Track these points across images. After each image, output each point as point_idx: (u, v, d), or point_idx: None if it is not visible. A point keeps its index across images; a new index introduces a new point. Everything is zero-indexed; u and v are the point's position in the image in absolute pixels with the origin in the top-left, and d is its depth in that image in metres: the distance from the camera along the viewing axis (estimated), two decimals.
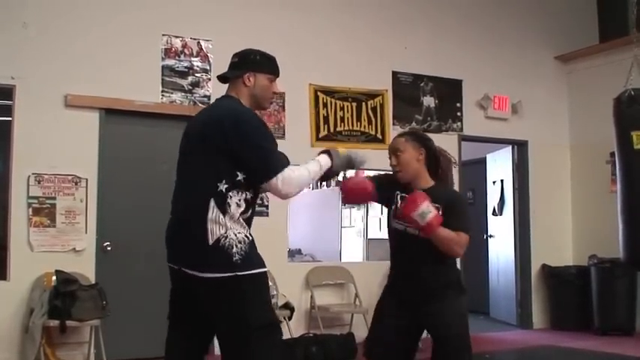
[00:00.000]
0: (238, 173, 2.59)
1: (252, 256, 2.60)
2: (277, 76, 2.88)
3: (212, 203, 2.55)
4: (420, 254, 3.02)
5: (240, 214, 2.60)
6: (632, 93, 4.55)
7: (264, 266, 2.65)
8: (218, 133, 2.61)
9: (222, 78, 2.90)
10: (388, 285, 3.20)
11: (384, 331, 3.10)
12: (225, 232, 2.55)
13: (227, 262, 2.54)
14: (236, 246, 2.55)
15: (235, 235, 2.56)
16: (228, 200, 2.57)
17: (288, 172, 2.61)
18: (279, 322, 2.73)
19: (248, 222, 2.66)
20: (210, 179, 2.57)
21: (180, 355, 2.77)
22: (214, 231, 2.54)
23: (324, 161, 2.79)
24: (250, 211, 2.66)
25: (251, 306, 2.56)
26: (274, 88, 2.87)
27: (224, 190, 2.56)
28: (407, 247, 3.07)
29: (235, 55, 2.89)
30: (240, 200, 2.59)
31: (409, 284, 3.06)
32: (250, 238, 2.63)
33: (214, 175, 2.58)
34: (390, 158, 3.13)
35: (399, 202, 3.04)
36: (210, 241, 2.54)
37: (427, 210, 2.84)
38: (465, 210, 3.09)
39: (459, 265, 6.71)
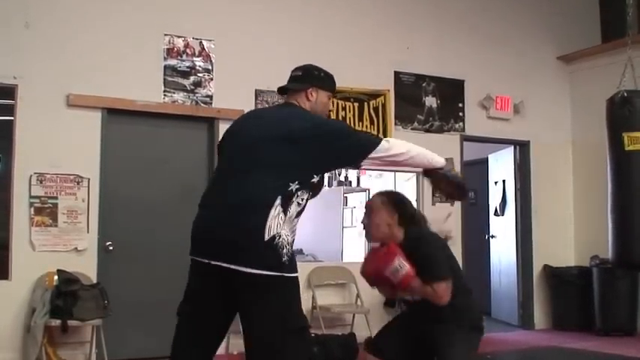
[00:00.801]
0: (315, 176, 2.65)
1: (294, 259, 2.64)
2: (334, 94, 2.99)
3: (278, 200, 2.56)
4: (426, 315, 3.08)
5: (297, 217, 2.64)
6: (625, 94, 4.56)
7: (297, 271, 2.69)
8: (307, 136, 2.64)
9: (282, 89, 2.94)
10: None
11: (391, 331, 3.20)
12: (280, 232, 2.56)
13: (277, 261, 2.54)
14: (286, 247, 2.57)
15: (286, 237, 2.58)
16: (291, 200, 2.59)
17: (389, 139, 2.75)
18: (309, 326, 2.73)
19: (296, 226, 2.69)
20: (284, 177, 2.58)
21: (190, 355, 2.71)
22: (272, 228, 2.54)
23: (439, 158, 2.86)
24: (299, 215, 2.68)
25: (290, 308, 2.59)
26: (330, 105, 2.96)
27: (294, 190, 2.59)
28: (415, 311, 3.15)
29: (299, 69, 2.95)
30: (302, 200, 2.64)
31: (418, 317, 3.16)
32: (293, 242, 2.67)
33: (289, 175, 2.59)
34: (364, 214, 3.18)
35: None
36: (266, 237, 2.53)
37: (399, 266, 2.87)
38: (434, 253, 3.03)
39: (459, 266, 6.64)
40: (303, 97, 2.86)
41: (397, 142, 2.74)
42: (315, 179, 2.66)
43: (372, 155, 2.68)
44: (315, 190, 2.74)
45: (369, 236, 3.16)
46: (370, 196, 3.33)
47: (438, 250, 3.06)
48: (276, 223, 2.55)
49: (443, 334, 2.99)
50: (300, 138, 2.63)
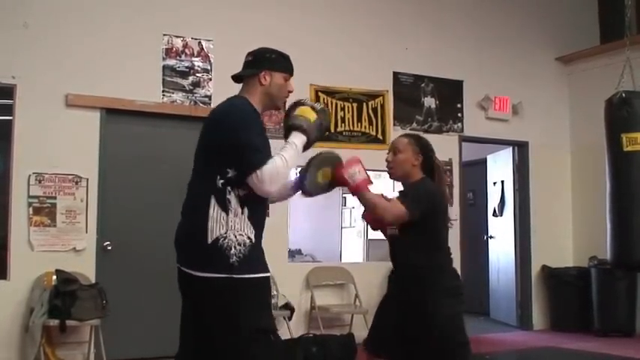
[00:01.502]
0: (228, 170, 2.53)
1: (251, 259, 2.55)
2: (292, 74, 2.83)
3: (213, 201, 2.53)
4: (404, 256, 3.12)
5: (243, 212, 2.54)
6: (623, 95, 4.57)
7: (266, 271, 2.61)
8: (211, 129, 2.62)
9: (236, 77, 2.82)
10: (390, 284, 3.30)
11: (382, 325, 3.18)
12: (226, 232, 2.51)
13: (224, 263, 2.50)
14: (234, 247, 2.51)
15: (235, 237, 2.52)
16: (228, 196, 2.53)
17: (266, 168, 2.47)
18: (274, 330, 2.65)
19: (256, 223, 2.59)
20: (210, 176, 2.54)
21: (188, 357, 2.69)
22: (214, 230, 2.51)
23: (299, 140, 2.66)
24: (254, 210, 2.58)
25: (243, 311, 2.50)
26: (289, 86, 2.82)
27: (221, 185, 2.53)
28: (396, 251, 3.18)
29: (250, 54, 2.83)
30: (237, 197, 2.53)
31: (399, 285, 3.16)
32: (254, 240, 2.57)
33: (212, 172, 2.54)
34: (388, 153, 3.22)
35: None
36: (209, 240, 2.51)
37: (356, 171, 2.93)
38: (415, 191, 3.06)
39: (458, 266, 6.63)
40: (256, 83, 2.72)
41: (274, 172, 2.48)
42: (231, 174, 2.52)
43: (253, 179, 2.47)
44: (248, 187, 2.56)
45: (391, 173, 3.19)
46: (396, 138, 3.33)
47: (425, 192, 3.08)
48: (217, 224, 2.52)
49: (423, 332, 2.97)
50: (217, 125, 2.60)
